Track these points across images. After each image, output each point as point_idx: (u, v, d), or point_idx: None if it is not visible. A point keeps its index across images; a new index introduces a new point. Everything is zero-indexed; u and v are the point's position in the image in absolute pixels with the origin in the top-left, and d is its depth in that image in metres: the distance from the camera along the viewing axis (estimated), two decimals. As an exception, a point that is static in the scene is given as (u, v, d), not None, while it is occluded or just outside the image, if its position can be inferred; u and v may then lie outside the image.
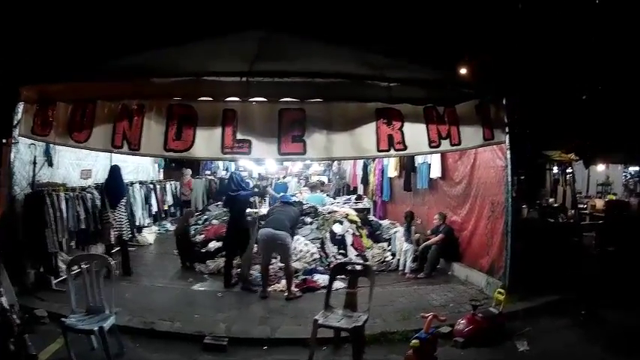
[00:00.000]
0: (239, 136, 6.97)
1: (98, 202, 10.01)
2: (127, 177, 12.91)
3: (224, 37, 8.29)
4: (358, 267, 7.11)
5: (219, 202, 17.54)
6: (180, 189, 18.52)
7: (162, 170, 17.87)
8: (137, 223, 13.53)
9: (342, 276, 7.31)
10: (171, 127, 7.02)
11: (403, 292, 9.38)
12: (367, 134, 7.25)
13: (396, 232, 12.02)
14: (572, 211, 12.50)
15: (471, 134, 7.92)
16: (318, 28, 7.66)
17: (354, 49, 8.18)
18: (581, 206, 14.34)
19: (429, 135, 7.51)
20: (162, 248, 13.51)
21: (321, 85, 7.11)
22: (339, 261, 10.16)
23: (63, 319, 6.03)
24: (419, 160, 12.25)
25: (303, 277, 9.88)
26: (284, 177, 21.00)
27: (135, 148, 7.17)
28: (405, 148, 7.40)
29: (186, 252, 11.31)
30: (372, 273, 6.75)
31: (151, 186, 15.09)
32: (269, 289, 9.23)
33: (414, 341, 5.64)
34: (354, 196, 17.20)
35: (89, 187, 10.39)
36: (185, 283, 9.94)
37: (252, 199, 11.47)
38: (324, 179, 21.92)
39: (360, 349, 6.26)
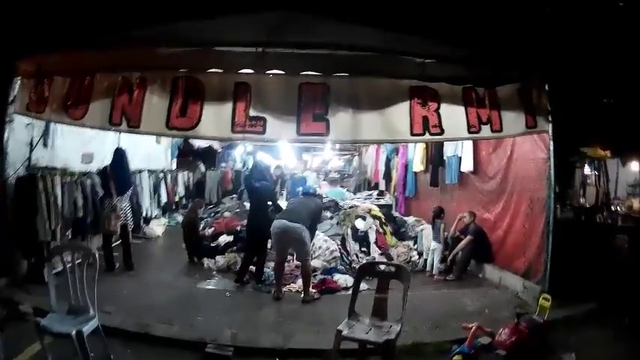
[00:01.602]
0: (252, 113, 6.25)
1: (99, 189, 9.22)
2: (137, 164, 12.39)
3: (237, 15, 7.41)
4: (389, 268, 5.92)
5: (234, 195, 17.05)
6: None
7: (175, 160, 17.01)
8: (144, 214, 12.75)
9: (368, 277, 6.45)
10: (175, 102, 6.34)
11: (433, 296, 8.47)
12: (399, 115, 6.49)
13: (422, 230, 11.21)
14: (605, 213, 11.60)
15: (512, 120, 7.04)
16: (340, 9, 6.72)
17: (381, 29, 7.26)
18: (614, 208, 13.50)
19: (468, 119, 6.72)
20: (170, 241, 12.64)
21: (346, 58, 6.41)
22: (367, 260, 9.33)
23: (38, 319, 5.14)
24: (448, 152, 11.35)
25: (322, 276, 8.94)
26: (303, 171, 20.53)
27: (134, 125, 6.47)
28: (442, 132, 6.60)
29: (194, 246, 10.45)
30: (406, 275, 5.58)
31: (161, 175, 14.30)
32: (284, 289, 8.31)
33: (456, 357, 4.72)
34: (376, 192, 16.63)
35: (89, 172, 9.57)
36: (191, 280, 9.03)
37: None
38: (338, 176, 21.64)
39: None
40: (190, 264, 10.23)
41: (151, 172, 13.55)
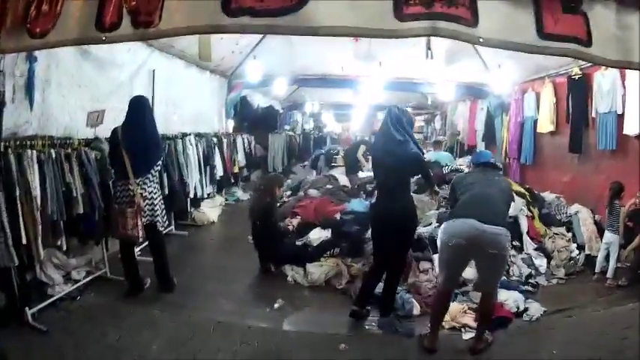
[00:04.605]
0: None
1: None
2: (180, 127, 9.18)
3: None
4: None
5: (305, 163, 15.22)
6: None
7: (231, 121, 13.43)
8: (191, 195, 9.15)
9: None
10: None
11: (621, 319, 5.38)
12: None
13: (577, 213, 8.10)
14: None
15: None
16: None
17: None
18: None
19: None
20: (228, 229, 9.28)
21: None
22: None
23: None
24: (601, 108, 8.30)
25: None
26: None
27: (39, 34, 3.35)
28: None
29: (268, 247, 6.75)
30: None
31: (215, 140, 10.74)
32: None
33: None
34: (480, 157, 13.31)
35: (96, 139, 6.04)
36: (268, 314, 5.35)
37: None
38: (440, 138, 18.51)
39: None
40: (264, 275, 6.65)
41: (199, 136, 10.03)
